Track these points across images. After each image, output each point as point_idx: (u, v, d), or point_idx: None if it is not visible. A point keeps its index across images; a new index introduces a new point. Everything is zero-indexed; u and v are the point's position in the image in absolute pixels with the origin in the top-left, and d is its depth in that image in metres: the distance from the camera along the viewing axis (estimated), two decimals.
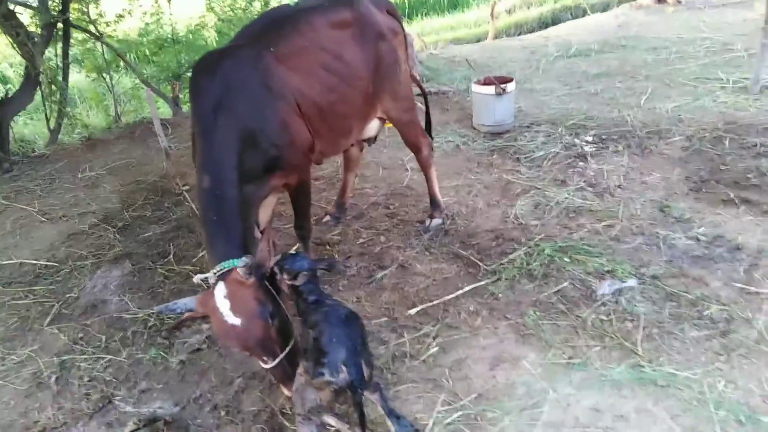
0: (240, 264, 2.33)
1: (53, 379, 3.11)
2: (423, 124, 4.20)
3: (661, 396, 2.61)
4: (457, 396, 2.74)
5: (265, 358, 2.31)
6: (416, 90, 4.18)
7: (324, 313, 2.23)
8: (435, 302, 3.40)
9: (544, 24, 11.96)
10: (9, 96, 5.94)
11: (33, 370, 3.19)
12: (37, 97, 6.32)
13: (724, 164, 4.55)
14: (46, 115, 6.58)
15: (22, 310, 3.69)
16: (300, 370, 2.16)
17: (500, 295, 3.41)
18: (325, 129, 3.24)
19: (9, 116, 5.83)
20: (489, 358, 2.96)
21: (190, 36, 6.77)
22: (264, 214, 3.21)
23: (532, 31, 11.40)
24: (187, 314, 2.49)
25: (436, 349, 3.04)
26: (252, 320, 2.32)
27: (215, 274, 2.42)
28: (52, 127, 6.55)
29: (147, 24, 6.69)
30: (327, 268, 2.71)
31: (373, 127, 3.86)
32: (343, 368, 1.98)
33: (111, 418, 2.83)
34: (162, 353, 3.21)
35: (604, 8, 11.67)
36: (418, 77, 7.34)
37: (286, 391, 2.37)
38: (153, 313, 3.51)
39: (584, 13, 11.42)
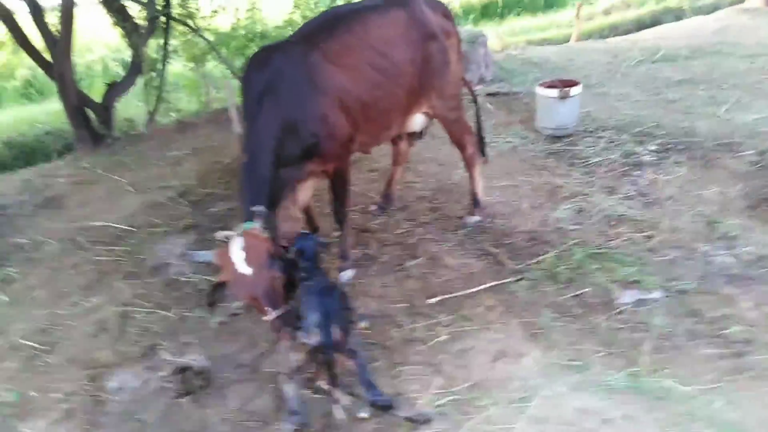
0: (255, 209, 2.66)
1: (114, 325, 3.61)
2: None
3: (655, 407, 2.62)
4: (453, 382, 2.90)
5: (267, 309, 2.55)
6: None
7: (306, 286, 2.49)
8: (455, 294, 3.55)
9: (642, 26, 11.40)
10: (116, 81, 6.75)
11: (100, 316, 3.71)
12: (142, 82, 7.12)
13: None
14: (146, 99, 7.39)
15: (101, 266, 4.26)
16: (284, 334, 2.43)
17: (519, 295, 3.50)
18: (366, 122, 3.48)
19: (114, 98, 6.65)
20: (493, 351, 3.08)
21: (279, 32, 7.25)
22: (304, 194, 3.51)
23: (628, 33, 10.91)
24: (218, 280, 2.83)
25: (445, 337, 3.21)
26: (261, 270, 2.58)
27: (237, 233, 2.73)
28: (150, 109, 7.34)
29: (239, 20, 7.28)
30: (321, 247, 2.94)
31: (417, 121, 4.04)
32: (316, 330, 2.23)
33: (153, 364, 3.26)
34: (205, 314, 3.61)
35: (711, 11, 10.93)
36: (489, 77, 7.41)
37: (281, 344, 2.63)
38: (205, 279, 3.95)
39: (686, 17, 10.79)
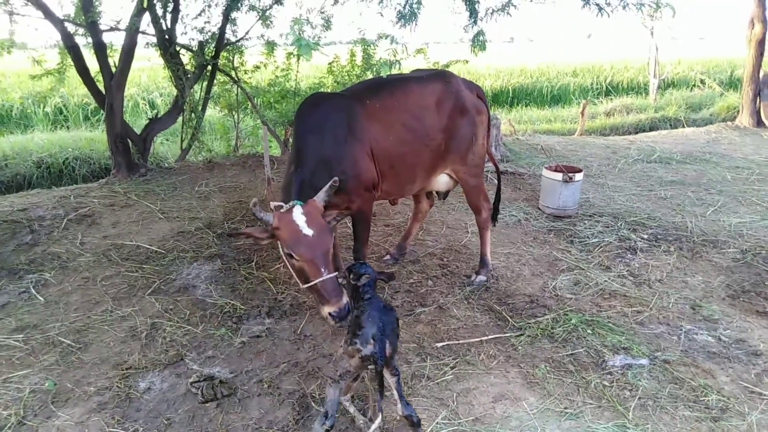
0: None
1: (144, 334, 3.89)
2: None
3: None
4: (457, 415, 3.18)
5: (323, 270, 2.95)
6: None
7: (369, 301, 2.85)
8: (461, 341, 3.88)
9: (640, 130, 12.30)
10: (157, 117, 7.28)
11: (131, 324, 4.00)
12: (178, 121, 7.65)
13: None
14: (181, 136, 7.90)
15: (132, 280, 4.58)
16: (341, 343, 2.76)
17: (520, 348, 3.83)
18: (391, 173, 3.95)
19: (154, 132, 7.16)
20: (494, 393, 3.38)
21: (309, 91, 7.88)
22: None
23: (627, 134, 11.75)
24: (246, 230, 3.30)
25: (450, 376, 3.52)
26: (322, 233, 3.03)
27: (289, 204, 3.21)
28: (184, 146, 7.83)
29: (276, 77, 7.93)
30: (386, 279, 3.31)
31: (441, 181, 4.50)
32: (372, 341, 2.57)
33: (180, 371, 3.53)
34: (229, 333, 3.91)
35: (705, 124, 11.85)
36: (498, 156, 8.01)
37: (324, 310, 3.00)
38: (230, 302, 4.26)
39: (682, 126, 11.66)
